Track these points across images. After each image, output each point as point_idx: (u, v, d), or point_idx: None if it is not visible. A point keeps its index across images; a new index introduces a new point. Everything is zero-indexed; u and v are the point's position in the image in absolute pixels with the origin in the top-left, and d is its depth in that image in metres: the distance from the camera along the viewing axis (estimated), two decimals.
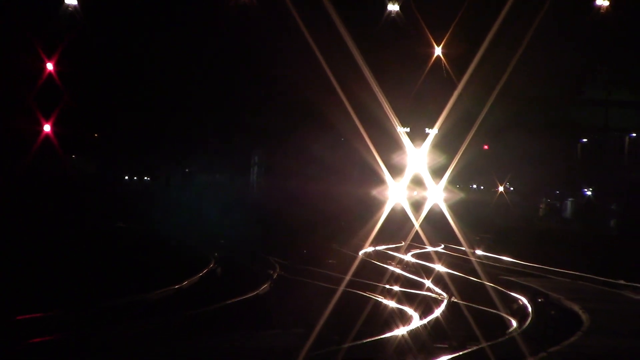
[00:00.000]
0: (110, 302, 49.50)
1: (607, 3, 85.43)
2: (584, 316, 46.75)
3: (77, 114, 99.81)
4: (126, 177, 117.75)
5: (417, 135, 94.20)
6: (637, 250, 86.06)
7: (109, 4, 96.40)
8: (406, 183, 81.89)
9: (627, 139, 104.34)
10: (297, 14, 73.34)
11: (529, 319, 46.93)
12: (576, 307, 50.13)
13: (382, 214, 76.23)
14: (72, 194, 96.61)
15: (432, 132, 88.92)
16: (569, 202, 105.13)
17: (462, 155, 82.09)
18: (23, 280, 56.50)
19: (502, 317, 48.91)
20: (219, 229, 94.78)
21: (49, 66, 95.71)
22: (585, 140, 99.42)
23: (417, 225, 72.10)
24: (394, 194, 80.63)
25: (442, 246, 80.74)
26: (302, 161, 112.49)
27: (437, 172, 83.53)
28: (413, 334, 42.04)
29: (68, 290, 52.67)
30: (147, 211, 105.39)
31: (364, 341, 39.15)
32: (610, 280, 67.50)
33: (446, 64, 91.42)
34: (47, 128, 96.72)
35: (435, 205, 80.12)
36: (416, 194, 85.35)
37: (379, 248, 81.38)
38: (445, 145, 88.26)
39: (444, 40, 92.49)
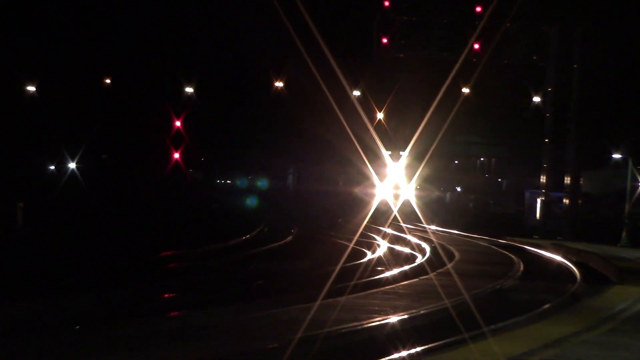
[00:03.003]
0: (209, 246, 49.82)
1: (468, 90, 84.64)
2: (456, 253, 46.87)
3: (192, 148, 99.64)
4: (218, 181, 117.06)
5: (395, 156, 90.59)
6: (483, 219, 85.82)
7: (210, 89, 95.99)
8: (388, 185, 78.71)
9: (478, 161, 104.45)
10: (321, 81, 71.06)
11: (427, 255, 46.95)
12: (452, 248, 50.19)
13: (372, 204, 73.74)
14: (190, 191, 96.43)
15: (404, 155, 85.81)
16: (448, 194, 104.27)
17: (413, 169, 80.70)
18: (164, 234, 56.73)
19: (411, 253, 49.14)
20: (266, 211, 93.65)
21: (177, 123, 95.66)
22: (457, 161, 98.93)
23: (395, 211, 69.68)
24: (381, 192, 77.67)
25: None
26: (320, 172, 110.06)
27: (408, 179, 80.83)
28: (367, 262, 42.30)
29: (188, 239, 52.95)
30: (229, 200, 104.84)
31: (342, 266, 39.31)
32: (469, 234, 67.65)
33: (386, 125, 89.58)
34: (176, 156, 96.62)
35: (406, 200, 77.64)
36: (395, 192, 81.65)
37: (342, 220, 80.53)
38: (413, 162, 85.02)
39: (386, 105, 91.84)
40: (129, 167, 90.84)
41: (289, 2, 48.17)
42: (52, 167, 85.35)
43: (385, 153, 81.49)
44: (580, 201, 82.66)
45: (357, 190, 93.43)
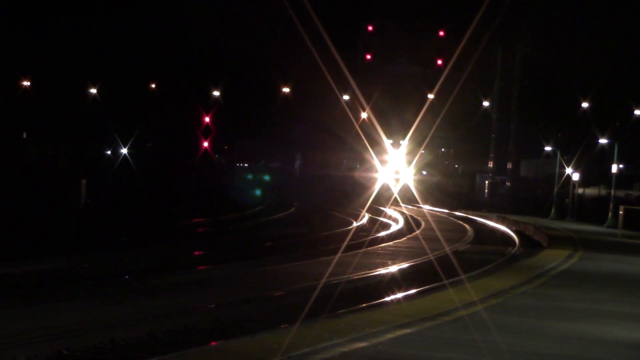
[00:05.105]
0: (230, 215, 49.75)
1: (432, 96, 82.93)
2: (422, 222, 46.82)
3: (218, 138, 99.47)
4: (238, 164, 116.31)
5: (396, 144, 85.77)
6: (444, 196, 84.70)
7: (232, 91, 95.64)
8: (390, 170, 74.30)
9: (439, 151, 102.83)
10: (331, 79, 67.95)
11: (401, 223, 46.93)
12: (420, 219, 50.16)
13: (375, 186, 69.35)
14: (216, 172, 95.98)
15: (404, 143, 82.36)
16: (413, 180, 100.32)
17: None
18: (195, 205, 56.50)
19: (388, 222, 49.08)
20: (275, 189, 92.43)
21: (207, 119, 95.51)
22: (423, 151, 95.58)
23: (395, 193, 66.88)
24: (382, 176, 70.90)
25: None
26: (323, 159, 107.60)
27: (408, 164, 76.76)
28: (352, 228, 42.19)
29: (213, 209, 52.83)
30: (245, 179, 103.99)
31: (332, 232, 39.32)
32: (435, 208, 67.42)
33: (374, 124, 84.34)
34: (205, 144, 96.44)
35: (405, 184, 71.93)
36: (396, 176, 75.62)
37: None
38: (412, 150, 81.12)
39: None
40: (168, 153, 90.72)
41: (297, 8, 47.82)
42: (109, 152, 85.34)
43: (387, 141, 77.52)
44: (519, 183, 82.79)
45: (360, 174, 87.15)
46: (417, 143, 77.37)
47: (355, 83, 79.06)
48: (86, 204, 52.99)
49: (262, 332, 12.35)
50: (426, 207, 65.93)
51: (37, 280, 19.72)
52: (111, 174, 69.88)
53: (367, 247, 30.53)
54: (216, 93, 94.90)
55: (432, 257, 26.93)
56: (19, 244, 28.71)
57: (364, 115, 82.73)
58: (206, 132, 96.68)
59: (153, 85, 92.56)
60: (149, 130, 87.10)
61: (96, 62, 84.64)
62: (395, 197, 62.31)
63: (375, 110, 77.49)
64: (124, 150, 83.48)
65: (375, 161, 74.31)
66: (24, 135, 79.04)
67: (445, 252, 29.78)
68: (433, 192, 79.68)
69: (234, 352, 10.59)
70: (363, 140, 74.24)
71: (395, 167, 72.53)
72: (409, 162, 76.25)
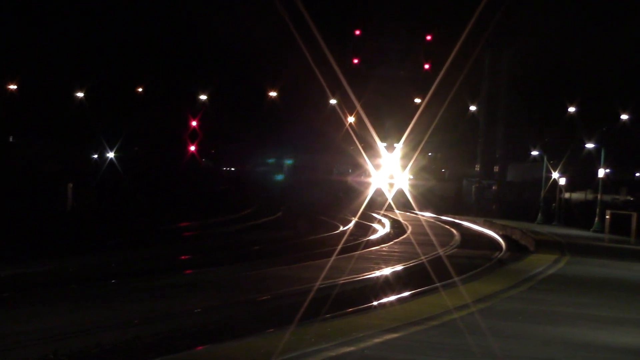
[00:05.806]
0: (216, 219, 49.54)
1: (419, 100, 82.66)
2: (409, 227, 46.75)
3: (205, 142, 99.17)
4: (224, 168, 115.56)
5: (390, 147, 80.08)
6: (432, 201, 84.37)
7: (219, 96, 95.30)
8: (384, 174, 69.16)
9: (429, 155, 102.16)
10: (325, 83, 66.57)
11: (388, 228, 46.85)
12: (407, 223, 50.05)
13: (368, 191, 65.94)
14: (203, 176, 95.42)
15: (398, 146, 77.07)
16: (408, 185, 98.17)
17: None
18: (182, 209, 56.15)
19: (376, 227, 48.91)
20: (265, 192, 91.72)
21: (193, 123, 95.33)
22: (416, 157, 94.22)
23: (389, 198, 63.40)
24: (376, 181, 68.95)
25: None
26: (313, 163, 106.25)
27: (402, 168, 74.93)
28: (340, 232, 42.08)
29: (199, 213, 52.55)
30: (233, 182, 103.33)
31: (319, 235, 39.22)
32: (417, 212, 67.08)
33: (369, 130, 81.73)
34: (192, 148, 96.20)
35: (400, 188, 70.09)
36: (390, 181, 70.03)
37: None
38: (406, 154, 79.52)
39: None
40: (155, 157, 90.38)
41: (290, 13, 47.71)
42: (95, 156, 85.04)
43: (381, 145, 75.30)
44: (506, 187, 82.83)
45: (353, 179, 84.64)
46: (411, 147, 76.65)
47: (348, 86, 78.21)
48: (73, 207, 52.77)
49: (249, 336, 12.33)
50: (420, 214, 64.82)
51: (23, 283, 19.63)
52: (98, 177, 69.52)
53: (356, 251, 30.49)
54: (203, 97, 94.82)
55: (424, 260, 26.98)
56: (4, 247, 28.55)
57: (353, 119, 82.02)
58: (193, 136, 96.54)
59: (140, 89, 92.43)
60: (136, 134, 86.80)
61: (83, 65, 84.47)
62: (390, 203, 61.62)
63: (368, 114, 76.90)
64: (111, 154, 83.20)
65: (369, 165, 73.06)
66: (10, 139, 78.70)
67: (433, 256, 29.77)
68: (428, 197, 78.14)
69: (221, 356, 10.56)
70: (356, 144, 73.10)
71: (389, 171, 71.12)
72: (404, 167, 75.14)
